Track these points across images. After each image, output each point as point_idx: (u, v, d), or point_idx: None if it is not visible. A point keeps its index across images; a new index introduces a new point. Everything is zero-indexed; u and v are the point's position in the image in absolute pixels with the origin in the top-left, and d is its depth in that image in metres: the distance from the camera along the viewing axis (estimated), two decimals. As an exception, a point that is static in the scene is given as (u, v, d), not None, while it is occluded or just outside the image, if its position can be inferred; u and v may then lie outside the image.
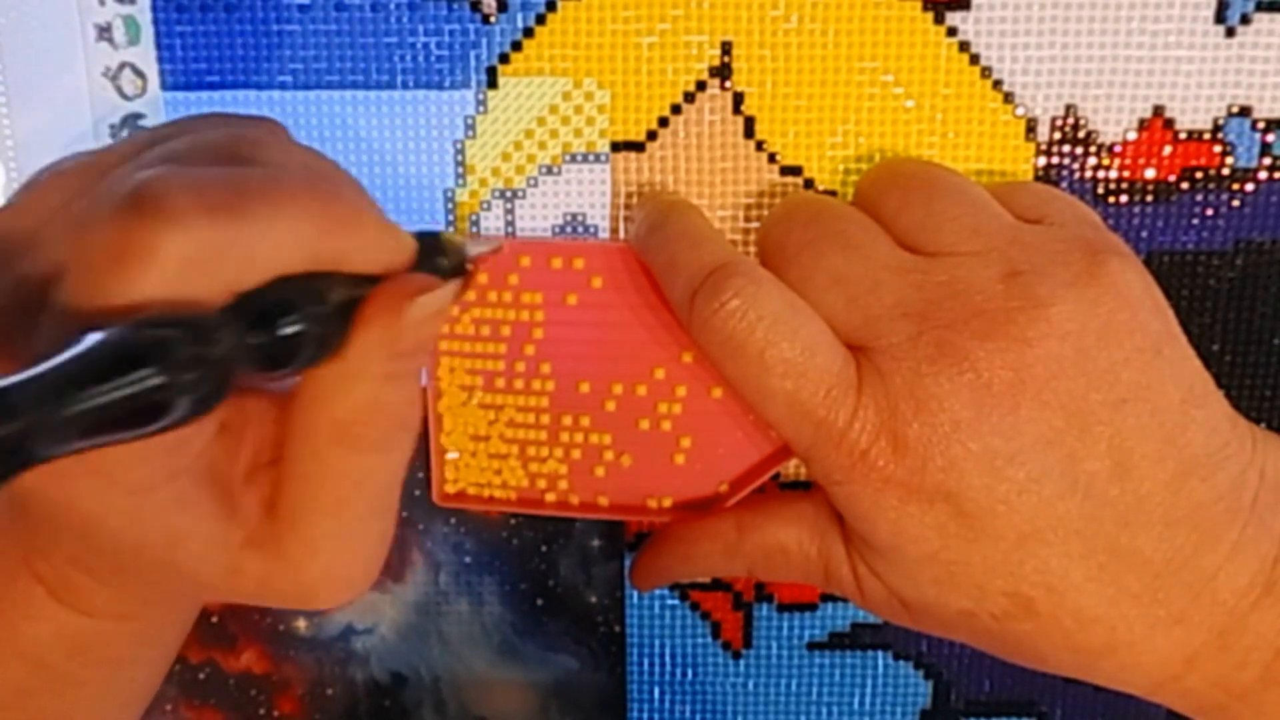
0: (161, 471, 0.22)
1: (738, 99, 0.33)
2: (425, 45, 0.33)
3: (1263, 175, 0.33)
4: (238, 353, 0.21)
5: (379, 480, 0.24)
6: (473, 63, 0.33)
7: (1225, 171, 0.33)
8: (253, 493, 0.24)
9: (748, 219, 0.33)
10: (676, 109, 0.33)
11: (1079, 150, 0.33)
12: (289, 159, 0.25)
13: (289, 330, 0.22)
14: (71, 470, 0.21)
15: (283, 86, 0.33)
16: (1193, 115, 0.32)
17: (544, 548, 0.37)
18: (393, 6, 0.32)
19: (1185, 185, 0.33)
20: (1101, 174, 0.33)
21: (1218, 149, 0.33)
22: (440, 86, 0.33)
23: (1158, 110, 0.32)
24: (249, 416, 0.25)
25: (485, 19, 0.32)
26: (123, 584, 0.25)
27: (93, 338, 0.19)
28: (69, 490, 0.22)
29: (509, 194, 0.33)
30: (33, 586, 0.26)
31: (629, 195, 0.33)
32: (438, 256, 0.26)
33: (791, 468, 0.35)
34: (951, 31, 0.32)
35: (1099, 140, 0.33)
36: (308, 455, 0.24)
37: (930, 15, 0.32)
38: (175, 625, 0.29)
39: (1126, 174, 0.33)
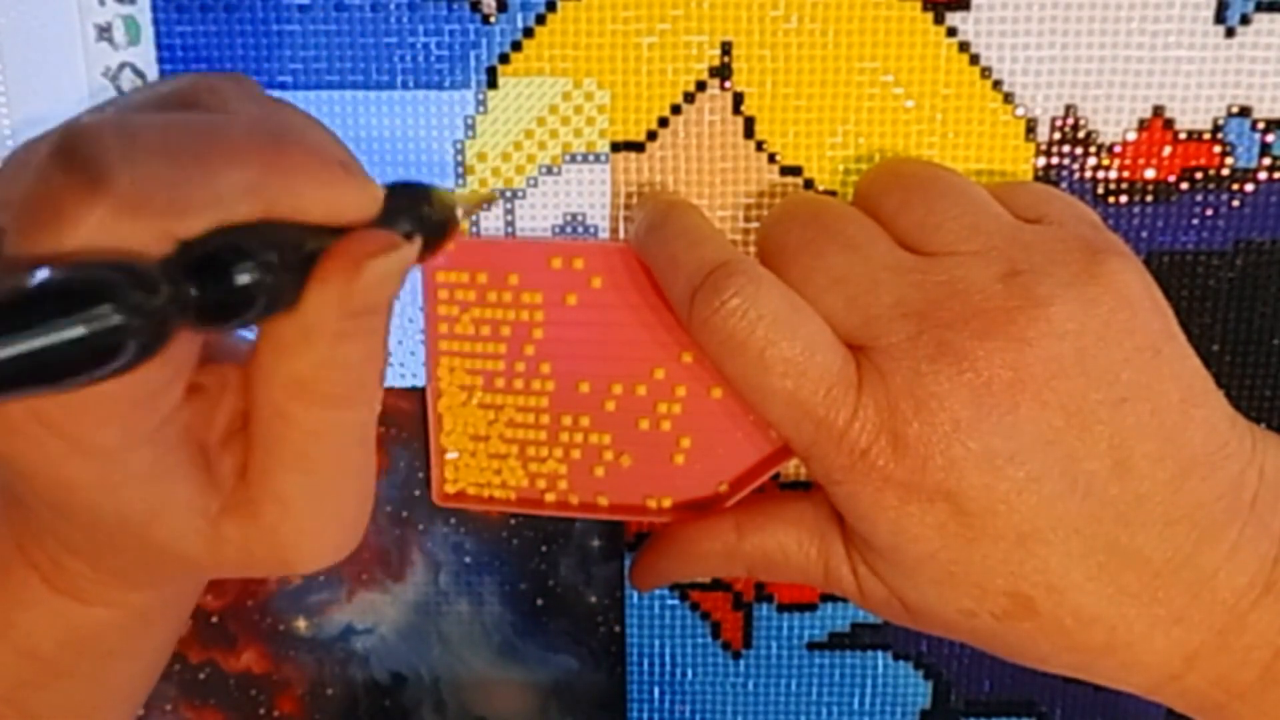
0: (132, 434, 0.22)
1: (738, 99, 0.33)
2: (425, 45, 0.33)
3: (1263, 175, 0.33)
4: (177, 303, 0.20)
5: (342, 435, 0.24)
6: (473, 63, 0.33)
7: (1225, 171, 0.33)
8: (228, 459, 0.24)
9: (748, 219, 0.33)
10: (676, 109, 0.33)
11: (1079, 150, 0.33)
12: (246, 108, 0.24)
13: (241, 280, 0.21)
14: (37, 434, 0.21)
15: (283, 86, 0.33)
16: (1193, 115, 0.32)
17: (544, 548, 0.37)
18: (393, 6, 0.32)
19: (1185, 185, 0.33)
20: (1101, 174, 0.33)
21: (1218, 149, 0.33)
22: (440, 86, 0.33)
23: (1158, 110, 0.32)
24: (225, 381, 0.24)
25: (485, 19, 0.32)
26: (108, 563, 0.25)
27: (40, 274, 0.18)
28: (35, 456, 0.21)
29: (509, 194, 0.33)
30: (28, 575, 0.26)
31: (629, 195, 0.33)
32: (423, 207, 0.25)
33: (791, 468, 0.35)
34: (951, 31, 0.32)
35: (1099, 140, 0.33)
36: (269, 411, 0.23)
37: (930, 15, 0.32)
38: (168, 618, 0.29)
39: (1126, 174, 0.33)
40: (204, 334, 0.23)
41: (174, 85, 0.24)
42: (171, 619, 0.29)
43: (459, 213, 0.27)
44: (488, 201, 0.31)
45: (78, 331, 0.18)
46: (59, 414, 0.20)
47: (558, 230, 0.34)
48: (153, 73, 0.33)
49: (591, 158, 0.33)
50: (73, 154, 0.20)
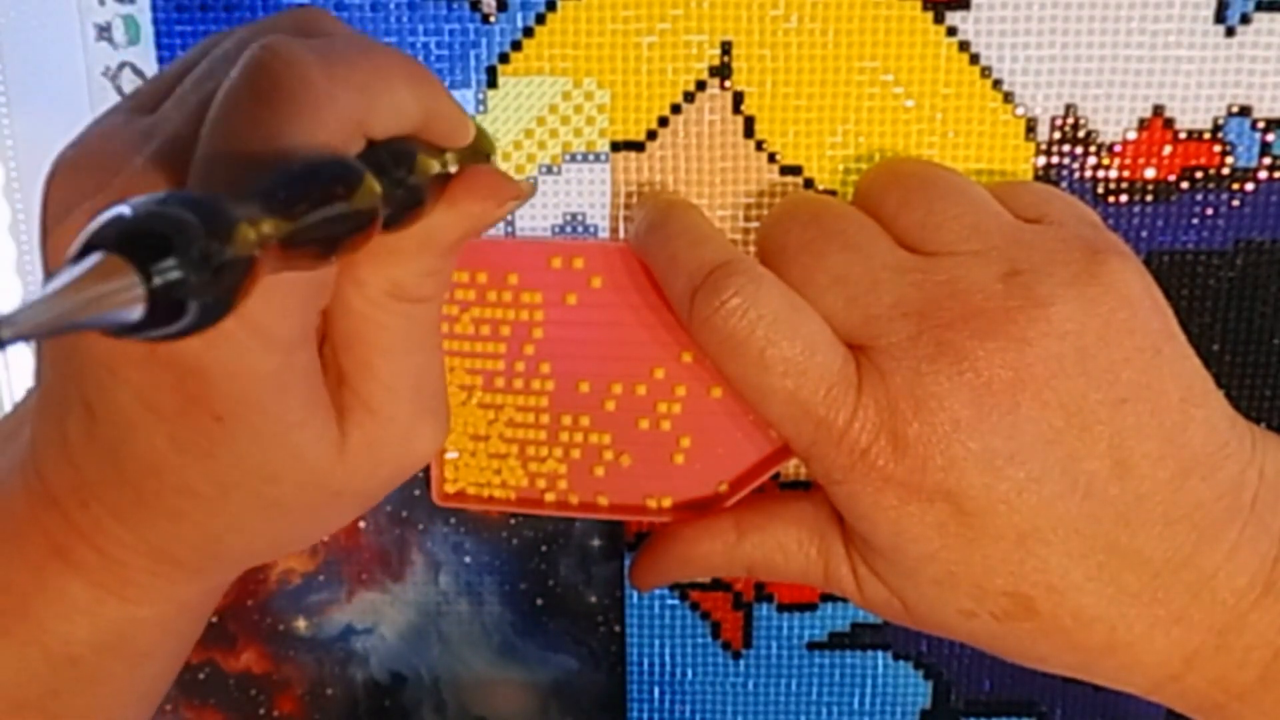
0: (304, 329, 0.23)
1: (738, 99, 0.33)
2: (425, 45, 0.33)
3: (1263, 175, 0.33)
4: (382, 194, 0.21)
5: (427, 320, 0.26)
6: (473, 62, 0.33)
7: (1225, 171, 0.33)
8: (328, 372, 0.25)
9: (748, 219, 0.33)
10: (676, 109, 0.33)
11: (1079, 150, 0.33)
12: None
13: (408, 182, 0.23)
14: (232, 329, 0.21)
15: (283, 86, 0.33)
16: (1193, 115, 0.32)
17: (544, 548, 0.37)
18: (393, 6, 0.32)
19: (1185, 185, 0.33)
20: (1101, 174, 0.33)
21: (1218, 149, 0.33)
22: (440, 86, 0.33)
23: (1158, 110, 0.32)
24: None
25: (485, 19, 0.32)
26: (185, 535, 0.25)
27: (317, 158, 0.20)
28: (224, 350, 0.22)
29: (509, 194, 0.33)
30: (66, 579, 0.25)
31: (629, 195, 0.33)
32: (478, 144, 0.27)
33: (791, 468, 0.35)
34: (951, 31, 0.32)
35: (1099, 140, 0.33)
36: (365, 308, 0.25)
37: (930, 15, 0.32)
38: (196, 616, 0.29)
39: (1126, 174, 0.33)
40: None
41: (295, 18, 0.26)
42: (202, 615, 0.29)
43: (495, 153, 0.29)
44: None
45: (345, 207, 0.20)
46: (251, 305, 0.21)
47: (558, 230, 0.34)
48: (152, 72, 0.33)
49: (591, 157, 0.33)
50: (278, 70, 0.21)
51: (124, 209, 0.16)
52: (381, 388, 0.25)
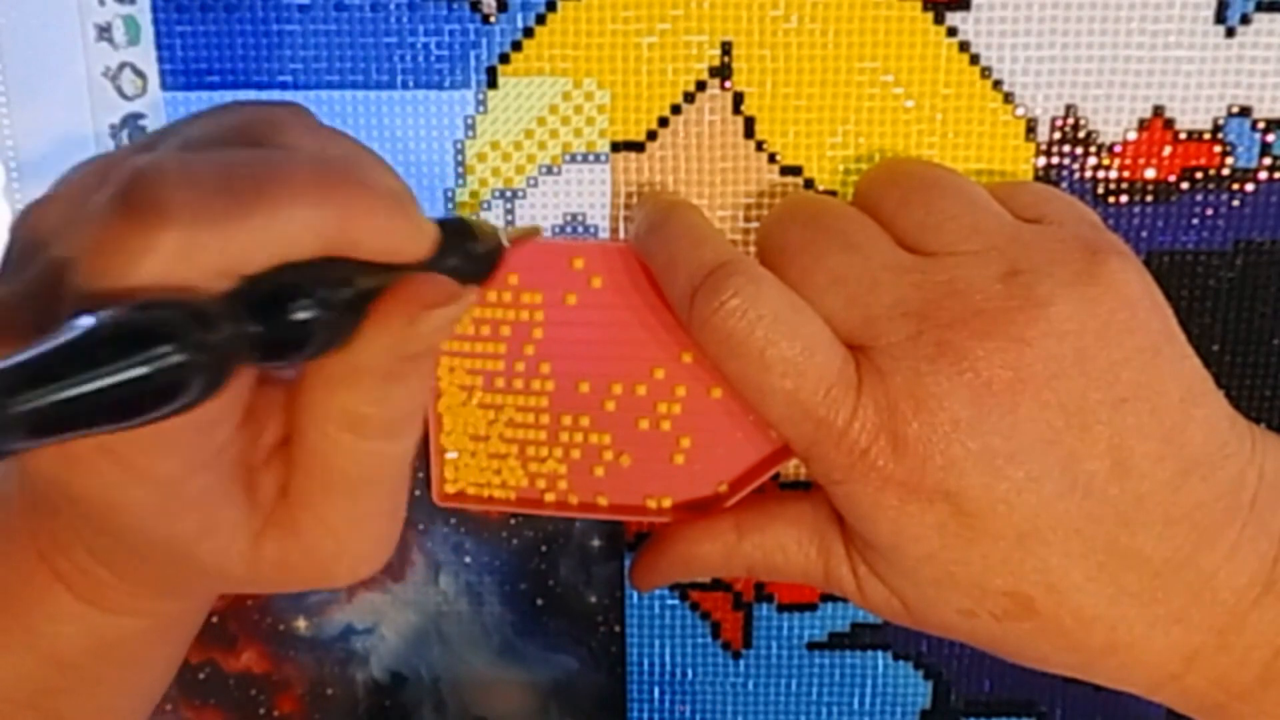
0: (191, 463, 0.22)
1: (738, 99, 0.33)
2: (425, 45, 0.33)
3: (1263, 175, 0.33)
4: (239, 339, 0.20)
5: (387, 465, 0.25)
6: (473, 63, 0.33)
7: (1225, 171, 0.33)
8: (269, 478, 0.24)
9: (748, 219, 0.33)
10: (676, 109, 0.33)
11: (1079, 150, 0.33)
12: (305, 142, 0.24)
13: (299, 316, 0.21)
14: (99, 464, 0.21)
15: (283, 86, 0.33)
16: (1193, 115, 0.32)
17: (544, 548, 0.37)
18: (393, 6, 0.32)
19: (1185, 185, 0.33)
20: (1101, 174, 0.33)
21: (1218, 149, 0.33)
22: (440, 86, 0.33)
23: (1158, 110, 0.32)
24: (271, 403, 0.24)
25: (485, 19, 0.32)
26: (143, 577, 0.25)
27: (85, 320, 0.18)
28: (93, 483, 0.21)
29: (509, 194, 0.33)
30: (52, 584, 0.25)
31: (629, 195, 0.33)
32: (468, 242, 0.25)
33: (791, 468, 0.35)
34: (951, 31, 0.32)
35: (1099, 140, 0.33)
36: (316, 438, 0.23)
37: (930, 15, 0.32)
38: (188, 623, 0.29)
39: (1126, 174, 0.33)
40: (262, 370, 0.23)
41: (232, 117, 0.24)
42: (192, 624, 0.29)
43: (504, 242, 0.27)
44: (532, 235, 0.31)
45: (141, 371, 0.18)
46: (122, 445, 0.21)
47: (558, 230, 0.34)
48: (153, 73, 0.33)
49: (591, 158, 0.33)
50: (136, 195, 0.20)
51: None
52: (314, 519, 0.24)
